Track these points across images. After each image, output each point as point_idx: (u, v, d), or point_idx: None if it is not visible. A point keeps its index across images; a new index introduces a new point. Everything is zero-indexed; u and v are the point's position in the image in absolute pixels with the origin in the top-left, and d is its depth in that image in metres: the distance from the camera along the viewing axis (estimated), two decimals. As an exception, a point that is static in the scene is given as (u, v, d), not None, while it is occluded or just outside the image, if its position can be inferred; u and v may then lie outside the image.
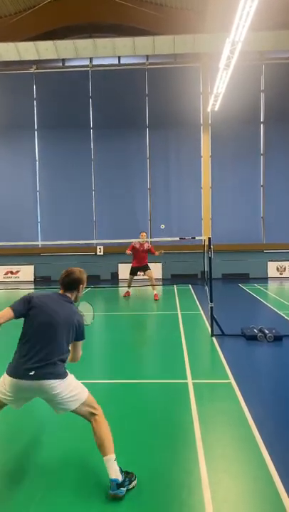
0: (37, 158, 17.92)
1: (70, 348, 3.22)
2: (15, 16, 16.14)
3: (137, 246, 11.69)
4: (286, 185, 17.25)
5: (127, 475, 3.03)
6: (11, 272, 17.65)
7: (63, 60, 17.62)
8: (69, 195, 17.75)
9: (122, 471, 2.99)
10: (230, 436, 3.81)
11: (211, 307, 7.48)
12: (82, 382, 3.24)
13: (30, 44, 15.07)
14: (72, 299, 3.29)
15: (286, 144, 17.20)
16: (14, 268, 17.63)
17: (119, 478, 2.93)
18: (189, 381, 5.15)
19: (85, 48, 15.39)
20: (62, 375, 3.04)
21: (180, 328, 8.07)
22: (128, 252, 11.70)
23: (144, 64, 17.44)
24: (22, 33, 16.01)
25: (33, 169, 17.95)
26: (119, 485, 2.91)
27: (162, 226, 13.94)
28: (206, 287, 8.98)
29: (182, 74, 17.31)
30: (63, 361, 3.12)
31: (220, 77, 13.45)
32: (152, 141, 17.61)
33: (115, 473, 2.93)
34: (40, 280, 17.50)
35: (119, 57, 17.44)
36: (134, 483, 3.03)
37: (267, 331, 7.07)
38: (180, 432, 3.86)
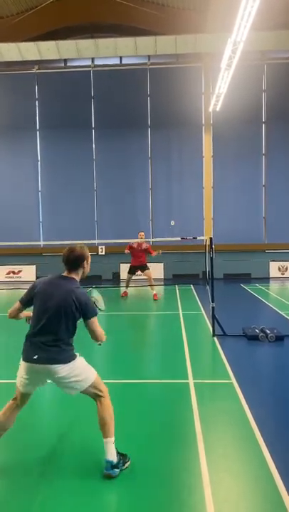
0: (39, 159, 17.95)
1: (88, 328, 3.17)
2: (17, 16, 16.15)
3: (135, 245, 11.81)
4: (288, 185, 17.23)
5: (122, 457, 3.21)
6: (13, 272, 17.69)
7: (65, 60, 17.64)
8: (71, 195, 17.77)
9: (118, 453, 3.17)
10: (231, 436, 3.82)
11: (213, 307, 7.48)
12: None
13: (31, 44, 15.09)
14: (78, 278, 3.26)
15: (288, 143, 17.19)
16: (16, 268, 17.66)
17: (114, 459, 3.12)
18: (190, 381, 5.15)
19: (86, 48, 15.41)
20: (64, 360, 3.05)
21: (181, 328, 8.08)
22: (126, 251, 11.85)
23: (145, 64, 17.45)
24: (24, 34, 16.02)
25: (34, 169, 17.98)
26: (114, 466, 3.11)
27: (172, 223, 13.69)
28: (208, 287, 8.99)
29: (184, 74, 17.31)
30: (67, 344, 3.11)
31: (221, 77, 13.45)
32: (154, 141, 17.62)
33: (111, 455, 3.12)
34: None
35: (120, 58, 17.45)
36: (127, 464, 3.23)
37: (268, 331, 7.07)
38: (181, 431, 3.87)
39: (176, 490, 2.99)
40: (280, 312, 9.60)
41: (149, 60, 17.40)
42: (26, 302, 3.27)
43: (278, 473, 3.14)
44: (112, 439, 3.15)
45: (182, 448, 3.58)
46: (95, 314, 3.15)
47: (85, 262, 3.28)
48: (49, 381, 3.21)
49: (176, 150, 17.63)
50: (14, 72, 17.77)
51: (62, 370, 3.03)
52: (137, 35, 15.28)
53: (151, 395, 4.91)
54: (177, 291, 13.37)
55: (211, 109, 16.49)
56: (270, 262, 17.06)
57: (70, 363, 3.06)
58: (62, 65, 17.83)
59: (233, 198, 17.42)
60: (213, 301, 7.54)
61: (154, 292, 11.87)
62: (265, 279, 16.57)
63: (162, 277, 16.85)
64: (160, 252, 11.91)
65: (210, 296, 7.78)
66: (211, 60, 16.54)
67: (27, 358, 3.08)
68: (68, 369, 3.05)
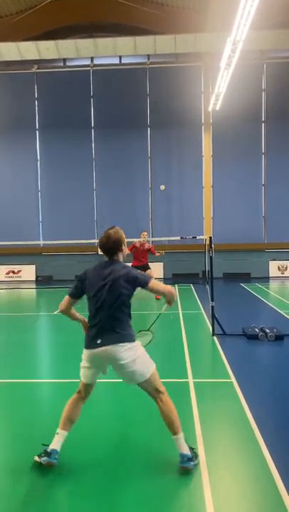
0: (38, 158, 17.96)
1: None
2: (16, 15, 16.15)
3: (138, 245, 11.64)
4: (287, 185, 17.24)
5: (193, 451, 3.27)
6: (13, 272, 17.69)
7: (64, 60, 17.64)
8: (70, 195, 17.78)
9: (190, 448, 3.25)
10: (231, 436, 3.82)
11: (212, 306, 7.47)
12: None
13: (31, 44, 15.09)
14: (120, 259, 3.29)
15: (287, 143, 17.19)
16: (16, 268, 17.66)
17: (189, 453, 3.19)
18: (190, 380, 5.15)
19: (86, 47, 15.41)
20: (126, 338, 3.09)
21: (181, 328, 8.07)
22: (128, 251, 11.70)
23: (145, 63, 17.45)
24: (23, 33, 16.02)
25: (34, 169, 17.99)
26: (190, 458, 3.17)
27: (162, 187, 13.18)
28: (207, 286, 8.99)
29: (183, 73, 17.31)
30: (127, 326, 3.15)
31: (221, 76, 13.45)
32: (153, 141, 17.62)
33: (186, 449, 3.19)
34: (41, 280, 17.53)
35: (120, 57, 17.45)
36: (199, 459, 3.28)
37: (268, 330, 7.07)
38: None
39: (176, 489, 2.98)
40: (279, 311, 9.60)
41: (148, 59, 17.40)
42: (77, 295, 3.30)
43: (278, 473, 3.13)
44: (181, 435, 3.19)
45: (182, 447, 3.57)
46: (149, 279, 3.15)
47: (122, 245, 3.28)
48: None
49: (175, 149, 17.64)
50: (13, 71, 17.76)
51: (124, 352, 3.05)
52: (137, 34, 15.28)
53: (151, 394, 4.90)
54: (177, 290, 13.37)
55: (210, 109, 16.50)
56: (270, 262, 17.07)
57: (132, 343, 3.10)
58: (62, 64, 17.83)
59: (232, 197, 17.42)
60: (212, 301, 7.54)
61: None
62: (265, 279, 16.58)
63: (162, 276, 16.86)
64: (163, 253, 11.78)
65: (209, 296, 7.78)
66: (211, 59, 16.54)
67: (90, 345, 3.13)
68: (132, 350, 3.07)
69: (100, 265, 3.27)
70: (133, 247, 11.61)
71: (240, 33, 10.43)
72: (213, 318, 7.38)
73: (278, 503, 2.80)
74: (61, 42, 15.21)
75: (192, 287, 13.85)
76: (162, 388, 3.25)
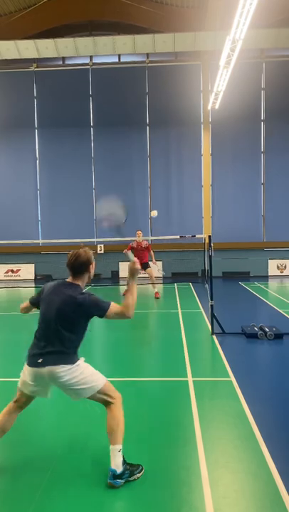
0: (37, 157, 17.93)
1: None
2: (15, 14, 16.12)
3: (135, 245, 11.63)
4: (286, 183, 17.24)
5: (130, 467, 3.07)
6: (12, 271, 17.68)
7: (63, 58, 17.61)
8: (69, 194, 17.76)
9: (124, 463, 3.04)
10: (230, 434, 3.82)
11: (212, 305, 7.48)
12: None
13: (30, 42, 15.08)
14: (83, 283, 3.19)
15: (286, 141, 17.19)
16: (15, 267, 17.65)
17: (118, 469, 2.98)
18: (190, 379, 5.16)
19: (85, 46, 15.40)
20: (68, 361, 2.98)
21: (180, 327, 8.08)
22: (125, 251, 11.65)
23: (144, 62, 17.42)
24: (22, 31, 16.00)
25: (33, 168, 17.96)
26: (116, 476, 2.97)
27: (154, 213, 12.35)
28: (207, 285, 9.00)
29: (183, 72, 17.29)
30: (70, 349, 3.03)
31: (220, 74, 13.45)
32: (153, 140, 17.61)
33: (115, 463, 2.98)
34: (40, 279, 17.52)
35: (119, 56, 17.43)
36: (136, 476, 3.07)
37: (267, 329, 7.08)
38: (180, 429, 3.87)
39: (175, 487, 2.99)
40: (278, 310, 9.61)
41: (147, 58, 17.38)
42: (35, 304, 3.33)
43: (277, 471, 3.15)
44: (117, 447, 3.01)
45: (181, 445, 3.58)
46: (107, 307, 3.05)
47: (90, 266, 3.19)
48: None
49: (174, 148, 17.62)
50: (12, 70, 17.72)
51: (66, 372, 2.95)
52: (136, 33, 15.27)
53: (150, 393, 4.91)
54: (176, 289, 13.37)
55: (209, 107, 16.49)
56: (269, 260, 17.09)
57: (73, 365, 2.98)
58: (61, 63, 17.80)
59: (231, 196, 17.43)
60: (212, 299, 7.54)
61: (156, 290, 11.84)
62: (264, 277, 16.60)
63: (161, 275, 16.84)
64: (159, 269, 11.27)
65: (209, 295, 7.79)
66: (210, 57, 16.54)
67: (31, 363, 3.02)
68: (72, 372, 2.97)
69: (59, 284, 3.17)
70: (130, 248, 11.58)
71: (239, 31, 10.43)
72: (213, 317, 7.39)
73: (277, 501, 2.82)
74: (60, 40, 15.20)
75: (191, 286, 13.85)
76: (114, 400, 3.10)
